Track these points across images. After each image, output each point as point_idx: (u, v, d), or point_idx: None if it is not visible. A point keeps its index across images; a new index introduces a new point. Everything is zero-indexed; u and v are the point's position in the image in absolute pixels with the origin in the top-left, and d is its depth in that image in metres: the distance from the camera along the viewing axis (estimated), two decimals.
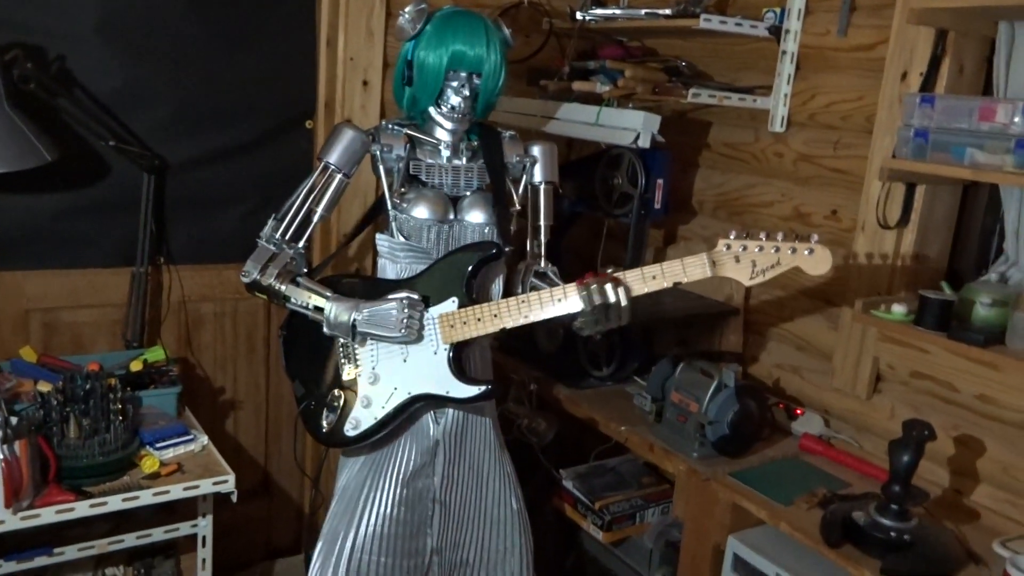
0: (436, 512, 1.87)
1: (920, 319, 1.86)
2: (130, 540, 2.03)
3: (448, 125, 1.84)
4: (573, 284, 1.70)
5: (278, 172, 2.53)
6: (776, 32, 2.29)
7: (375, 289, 1.81)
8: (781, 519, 1.82)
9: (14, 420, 1.77)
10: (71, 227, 2.32)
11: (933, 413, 2.00)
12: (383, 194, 1.85)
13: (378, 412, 1.77)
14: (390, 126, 1.86)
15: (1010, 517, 1.87)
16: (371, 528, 1.81)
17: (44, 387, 2.00)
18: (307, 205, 1.78)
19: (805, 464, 2.09)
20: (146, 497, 1.90)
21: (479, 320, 1.73)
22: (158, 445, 2.02)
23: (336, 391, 1.80)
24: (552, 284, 1.89)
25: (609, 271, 1.69)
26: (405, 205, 1.82)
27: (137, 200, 2.34)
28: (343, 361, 1.80)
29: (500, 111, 2.55)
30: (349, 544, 1.80)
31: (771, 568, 1.84)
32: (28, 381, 2.09)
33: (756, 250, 1.64)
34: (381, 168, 1.83)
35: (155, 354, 2.34)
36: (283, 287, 1.73)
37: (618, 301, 1.65)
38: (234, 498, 2.00)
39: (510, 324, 1.72)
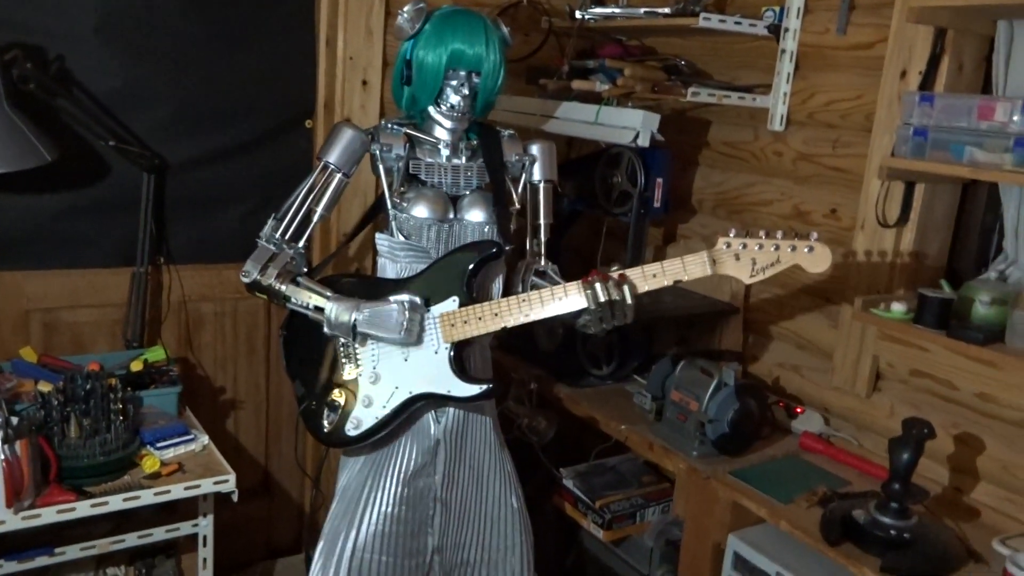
0: (437, 511, 1.87)
1: (919, 317, 1.86)
2: (131, 540, 2.03)
3: (447, 124, 1.84)
4: (574, 282, 1.70)
5: (278, 172, 2.54)
6: (775, 31, 2.29)
7: (375, 289, 1.81)
8: (781, 517, 1.83)
9: (15, 420, 1.77)
10: (71, 227, 2.32)
11: (933, 411, 2.01)
12: (383, 193, 1.85)
13: (379, 411, 1.77)
14: (389, 125, 1.86)
15: (1010, 515, 1.87)
16: (372, 527, 1.81)
17: (45, 387, 2.00)
18: (307, 205, 1.78)
19: (805, 462, 2.09)
20: (147, 497, 1.91)
21: (480, 319, 1.73)
22: (159, 445, 2.03)
23: (337, 391, 1.80)
24: (552, 282, 1.89)
25: (614, 268, 1.70)
26: (405, 204, 1.82)
27: (137, 200, 2.34)
28: (344, 361, 1.80)
29: (499, 110, 2.55)
30: (351, 543, 1.80)
31: (771, 566, 1.85)
32: (29, 381, 2.09)
33: (756, 248, 1.64)
34: (381, 167, 1.83)
35: (155, 354, 2.34)
36: (283, 287, 1.73)
37: (623, 299, 1.65)
38: (235, 498, 2.01)
39: (511, 323, 1.73)
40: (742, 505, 1.91)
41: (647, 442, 2.15)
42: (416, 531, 1.85)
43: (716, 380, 2.05)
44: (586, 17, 2.53)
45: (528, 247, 2.00)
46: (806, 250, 1.62)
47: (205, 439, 2.12)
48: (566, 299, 1.70)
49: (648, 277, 1.68)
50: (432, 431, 1.84)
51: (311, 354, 1.83)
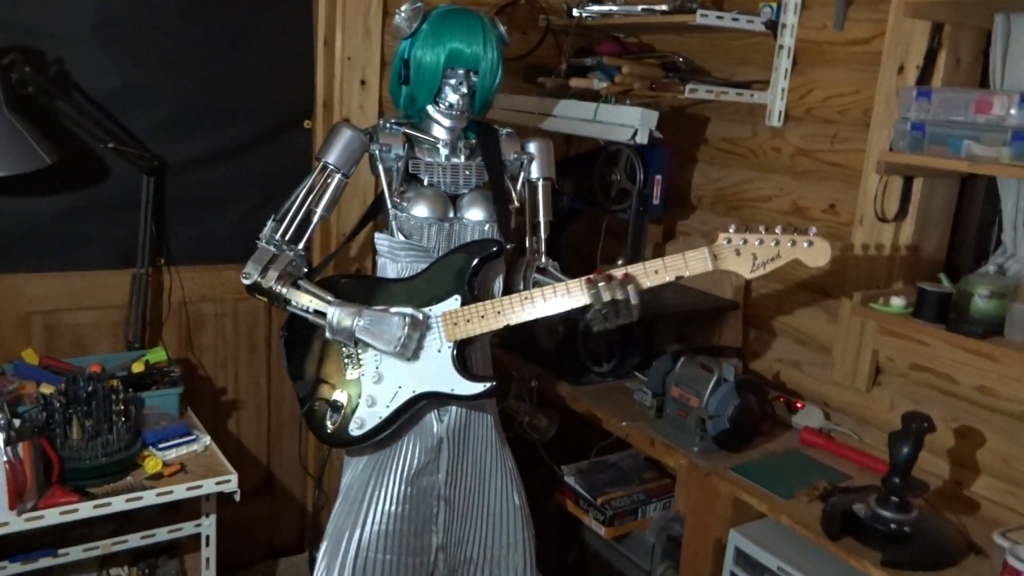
0: (441, 509, 1.87)
1: (919, 311, 1.86)
2: (134, 540, 2.04)
3: (446, 123, 1.84)
4: (577, 280, 1.71)
5: (277, 172, 2.54)
6: (773, 27, 2.30)
7: (376, 289, 1.81)
8: (782, 512, 1.83)
9: (17, 422, 1.77)
10: (71, 229, 2.32)
11: (932, 405, 2.01)
12: (382, 193, 1.85)
13: (383, 411, 1.77)
14: (388, 125, 1.86)
15: (1010, 508, 1.88)
16: (376, 526, 1.81)
17: (46, 389, 2.01)
18: (306, 205, 1.78)
19: (805, 457, 2.09)
20: (149, 497, 1.91)
21: (482, 317, 1.74)
22: (161, 446, 2.03)
23: (340, 391, 1.80)
24: (553, 279, 1.90)
25: (619, 264, 1.70)
26: (405, 204, 1.82)
27: (137, 201, 2.34)
28: (346, 361, 1.80)
29: (498, 109, 2.55)
30: (355, 543, 1.80)
31: (772, 561, 1.85)
32: (30, 383, 2.09)
33: (756, 243, 1.65)
34: (380, 167, 1.83)
35: (156, 355, 2.34)
36: (284, 290, 1.73)
37: (627, 298, 1.65)
38: (237, 497, 2.01)
39: (513, 320, 1.73)
40: (743, 500, 1.92)
41: (648, 439, 2.15)
42: (420, 529, 1.86)
43: (716, 376, 2.05)
44: (584, 15, 2.53)
45: (528, 245, 2.00)
46: (806, 245, 1.63)
47: (207, 439, 2.13)
48: (568, 297, 1.70)
49: (650, 273, 1.68)
50: (435, 430, 1.84)
51: (313, 354, 1.83)
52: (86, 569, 2.16)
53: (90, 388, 1.97)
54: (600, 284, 1.65)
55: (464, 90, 1.79)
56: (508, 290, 1.92)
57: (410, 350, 1.72)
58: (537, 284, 1.91)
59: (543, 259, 1.99)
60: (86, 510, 1.84)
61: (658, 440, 2.13)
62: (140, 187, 2.34)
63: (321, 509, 2.75)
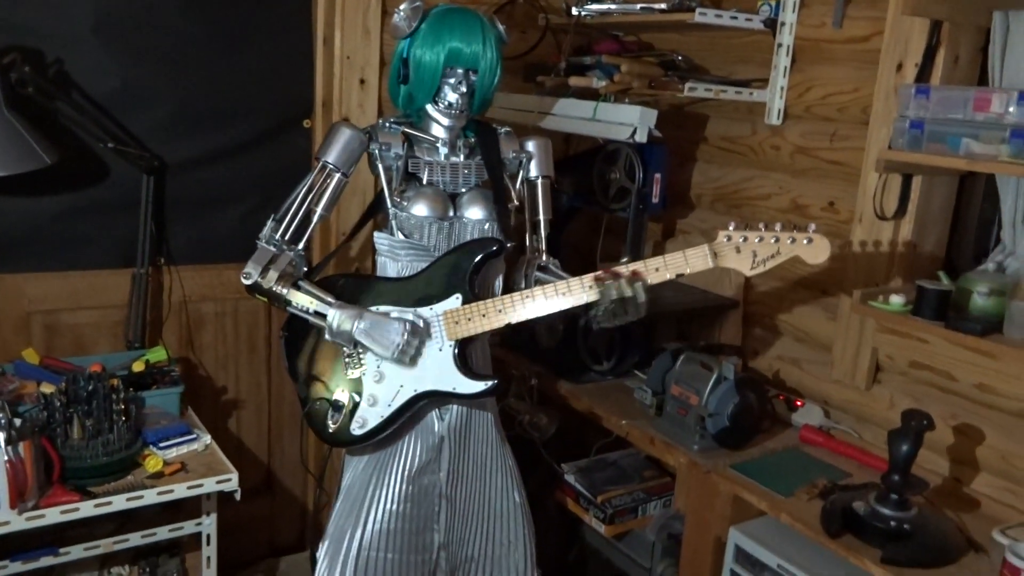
0: (443, 508, 1.87)
1: (918, 309, 1.87)
2: (135, 539, 2.04)
3: (445, 122, 1.84)
4: (579, 277, 1.71)
5: (277, 171, 2.54)
6: (772, 25, 2.30)
7: (377, 288, 1.81)
8: (782, 510, 1.83)
9: (18, 422, 1.77)
10: (71, 229, 2.32)
11: (932, 403, 2.01)
12: (381, 192, 1.85)
13: (384, 410, 1.77)
14: (387, 124, 1.87)
15: (1010, 505, 1.88)
16: (378, 525, 1.81)
17: (47, 388, 2.01)
18: (306, 205, 1.79)
19: (805, 455, 2.10)
20: (150, 496, 1.92)
21: (484, 315, 1.74)
22: (161, 445, 2.04)
23: (341, 390, 1.80)
24: (555, 277, 1.90)
25: (623, 261, 1.70)
26: (405, 203, 1.82)
27: (137, 201, 2.35)
28: (347, 360, 1.80)
29: (497, 107, 2.55)
30: (356, 542, 1.81)
31: (772, 559, 1.85)
32: (31, 383, 2.10)
33: (756, 240, 1.65)
34: (380, 166, 1.83)
35: (157, 354, 2.35)
36: (284, 291, 1.73)
37: (635, 296, 1.66)
38: (237, 496, 2.01)
39: (515, 319, 1.73)
40: (743, 498, 1.92)
41: (648, 437, 2.16)
42: (422, 528, 1.86)
43: (716, 374, 2.05)
44: (582, 13, 2.53)
45: (528, 243, 2.00)
46: (805, 242, 1.64)
47: (207, 438, 2.13)
48: (571, 295, 1.71)
49: (651, 271, 1.69)
50: (436, 428, 1.84)
51: (314, 354, 1.83)
52: (87, 568, 2.17)
53: (91, 387, 1.97)
54: (608, 281, 1.66)
55: (463, 89, 1.80)
56: (509, 289, 1.92)
57: (408, 356, 1.73)
58: (538, 282, 1.91)
59: (544, 257, 1.99)
60: (87, 509, 1.85)
61: (658, 438, 2.13)
62: (140, 187, 2.34)
63: (323, 508, 2.76)
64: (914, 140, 1.83)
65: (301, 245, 1.81)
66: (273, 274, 1.73)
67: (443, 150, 1.87)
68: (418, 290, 1.78)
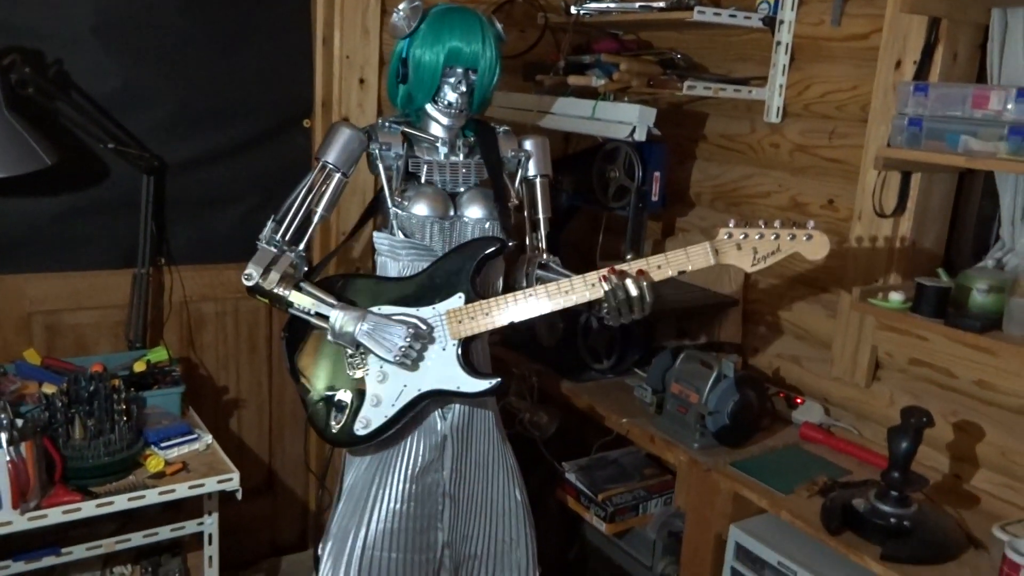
0: (446, 506, 1.88)
1: (917, 306, 1.87)
2: (137, 539, 2.05)
3: (445, 121, 1.84)
4: (580, 276, 1.72)
5: (277, 171, 2.54)
6: (770, 23, 2.30)
7: (379, 288, 1.81)
8: (782, 507, 1.84)
9: (19, 422, 1.78)
10: (72, 230, 2.33)
11: (932, 399, 2.02)
12: (380, 192, 1.85)
13: (388, 410, 1.77)
14: (386, 124, 1.87)
15: (1009, 501, 1.89)
16: (380, 524, 1.81)
17: (49, 389, 2.02)
18: (306, 205, 1.78)
19: (805, 452, 2.10)
20: (152, 496, 1.92)
21: (487, 314, 1.74)
22: (163, 444, 2.04)
23: (344, 390, 1.80)
24: (556, 275, 1.90)
25: (628, 258, 1.71)
26: (405, 203, 1.82)
27: (137, 201, 2.35)
28: (349, 360, 1.80)
29: (497, 106, 2.56)
30: (360, 541, 1.81)
31: (773, 556, 1.86)
32: (33, 383, 2.10)
33: (757, 237, 1.66)
34: (380, 166, 1.83)
35: (158, 354, 2.35)
36: (286, 293, 1.73)
37: (642, 294, 1.66)
38: (239, 496, 2.02)
39: (518, 317, 1.73)
40: (743, 496, 1.92)
41: (648, 435, 2.16)
42: (426, 527, 1.86)
43: (716, 372, 2.05)
44: (581, 12, 2.53)
45: (528, 242, 2.00)
46: (805, 238, 1.64)
47: (208, 438, 2.13)
48: (573, 293, 1.71)
49: (653, 268, 1.69)
50: (439, 427, 1.85)
51: (315, 355, 1.83)
52: (89, 568, 2.17)
53: (92, 388, 1.97)
54: (615, 281, 1.66)
55: (463, 89, 1.80)
56: (509, 287, 1.92)
57: (410, 359, 1.73)
58: (540, 280, 1.92)
59: (544, 255, 1.99)
60: (89, 509, 1.85)
61: (658, 436, 2.14)
62: (140, 187, 2.34)
63: (326, 508, 2.76)
64: (913, 137, 1.83)
65: (302, 246, 1.81)
66: (274, 275, 1.72)
67: (442, 149, 1.88)
68: (420, 289, 1.78)
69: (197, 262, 2.53)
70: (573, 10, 2.55)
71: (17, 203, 2.24)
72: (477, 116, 1.94)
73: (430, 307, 1.77)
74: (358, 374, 1.79)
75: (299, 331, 1.84)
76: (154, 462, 1.96)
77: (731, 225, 1.67)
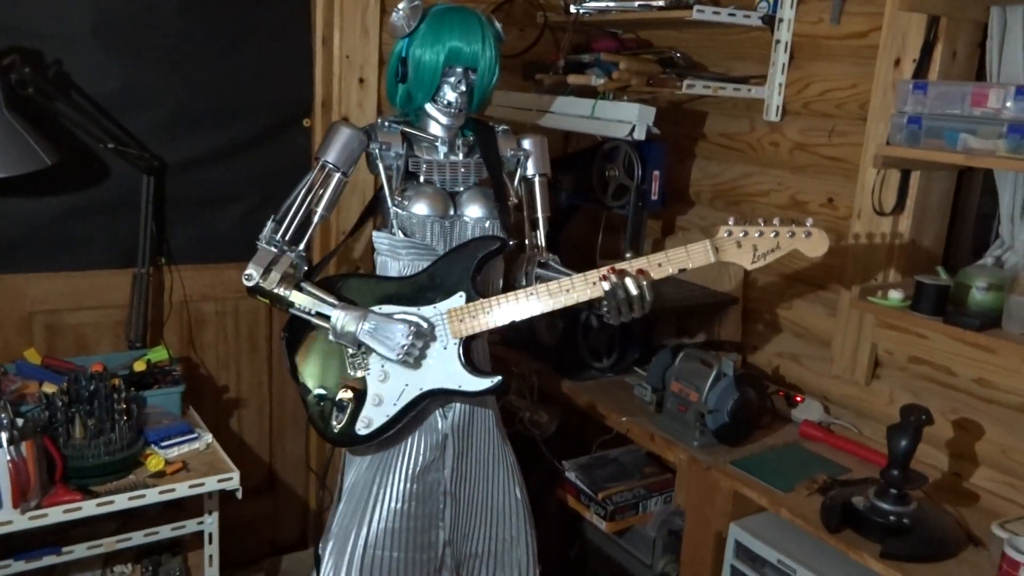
0: (447, 505, 1.88)
1: (917, 304, 1.87)
2: (137, 538, 2.05)
3: (444, 120, 1.85)
4: (581, 274, 1.72)
5: (277, 171, 2.54)
6: (770, 21, 2.30)
7: (379, 288, 1.81)
8: (782, 505, 1.84)
9: (20, 422, 1.78)
10: (72, 229, 2.33)
11: (932, 397, 2.02)
12: (379, 191, 1.86)
13: (390, 409, 1.77)
14: (386, 124, 1.87)
15: (1009, 499, 1.89)
16: (382, 524, 1.81)
17: (49, 388, 2.02)
18: (306, 205, 1.78)
19: (805, 450, 2.10)
20: (152, 495, 1.92)
21: (488, 313, 1.74)
22: (163, 444, 2.04)
23: (345, 390, 1.79)
24: (556, 273, 1.90)
25: (627, 257, 1.71)
26: (405, 202, 1.82)
27: (137, 201, 2.35)
28: (351, 360, 1.80)
29: (496, 106, 2.56)
30: (361, 541, 1.81)
31: (772, 554, 1.86)
32: (33, 383, 2.10)
33: (756, 235, 1.66)
34: (380, 165, 1.83)
35: (158, 354, 2.35)
36: (287, 293, 1.73)
37: (641, 293, 1.67)
38: (239, 495, 2.02)
39: (519, 316, 1.73)
40: (743, 494, 1.92)
41: (648, 433, 2.16)
42: (427, 526, 1.86)
43: (715, 370, 2.06)
44: (581, 11, 2.53)
45: (528, 241, 2.00)
46: (804, 235, 1.65)
47: (209, 437, 2.13)
48: (574, 291, 1.71)
49: (654, 267, 1.69)
50: (440, 426, 1.85)
51: (316, 355, 1.82)
52: (90, 567, 2.17)
53: (92, 387, 1.98)
54: (615, 281, 1.67)
55: (463, 88, 1.80)
56: (509, 286, 1.93)
57: (412, 357, 1.73)
58: (539, 279, 1.92)
59: (544, 254, 1.99)
60: (89, 508, 1.85)
61: (658, 435, 2.14)
62: (140, 187, 2.34)
63: (326, 507, 2.76)
64: (912, 136, 1.83)
65: (302, 246, 1.81)
66: (275, 276, 1.72)
67: (442, 149, 1.88)
68: (421, 289, 1.78)
69: (197, 262, 2.53)
70: (572, 9, 2.55)
71: (17, 203, 2.24)
72: (476, 115, 1.94)
73: (431, 306, 1.77)
74: (359, 373, 1.79)
75: (299, 331, 1.84)
76: (154, 461, 1.96)
77: (731, 223, 1.67)
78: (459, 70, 1.79)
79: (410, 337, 1.69)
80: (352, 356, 1.79)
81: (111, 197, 2.35)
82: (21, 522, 1.78)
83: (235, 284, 2.52)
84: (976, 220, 2.11)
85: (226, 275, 2.56)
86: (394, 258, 1.85)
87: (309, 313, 1.73)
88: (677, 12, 2.26)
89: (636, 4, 2.38)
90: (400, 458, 1.83)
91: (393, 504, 1.82)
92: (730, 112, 2.54)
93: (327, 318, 1.72)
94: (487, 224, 1.86)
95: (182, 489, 1.95)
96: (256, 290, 1.73)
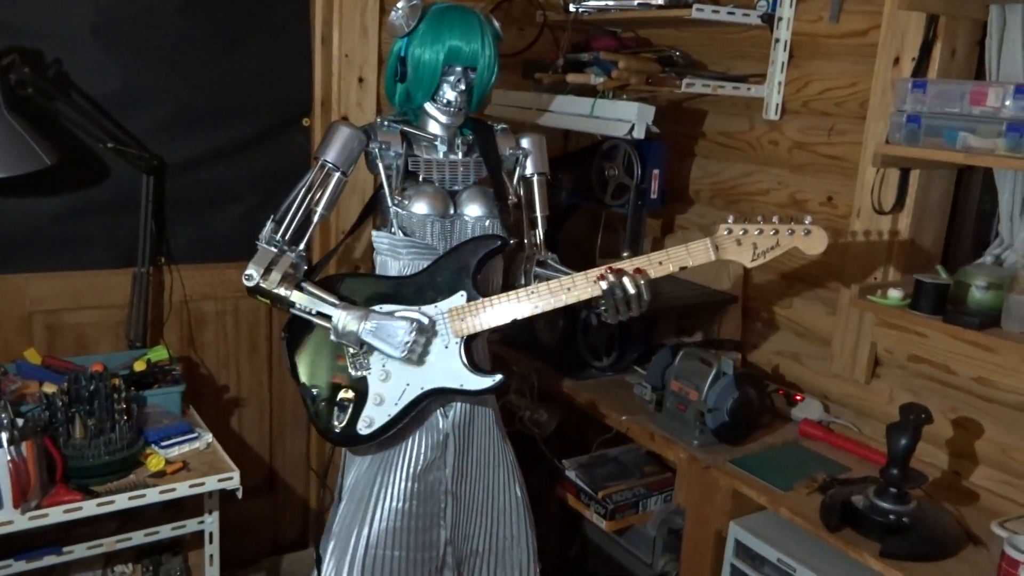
0: (448, 504, 1.88)
1: (916, 303, 1.87)
2: (138, 538, 2.05)
3: (443, 119, 1.85)
4: (584, 273, 1.72)
5: (277, 170, 2.54)
6: (769, 20, 2.30)
7: (380, 287, 1.81)
8: (781, 504, 1.84)
9: (20, 422, 1.78)
10: (72, 229, 2.33)
11: (931, 396, 2.02)
12: (379, 191, 1.86)
13: (391, 409, 1.77)
14: (385, 123, 1.87)
15: (1008, 498, 1.89)
16: (383, 523, 1.81)
17: (49, 388, 2.02)
18: (306, 205, 1.78)
19: (805, 449, 2.10)
20: (152, 495, 1.92)
21: (489, 312, 1.74)
22: (163, 443, 2.04)
23: (346, 390, 1.79)
24: (555, 272, 1.90)
25: (625, 256, 1.71)
26: (405, 202, 1.82)
27: (137, 201, 2.35)
28: (352, 360, 1.80)
29: (496, 105, 2.56)
30: (363, 540, 1.81)
31: (772, 553, 1.86)
32: (33, 383, 2.10)
33: (756, 233, 1.67)
34: (380, 165, 1.83)
35: (158, 354, 2.35)
36: (287, 293, 1.73)
37: (639, 292, 1.67)
38: (239, 495, 2.02)
39: (520, 314, 1.74)
40: (743, 493, 1.93)
41: (648, 432, 2.16)
42: (428, 525, 1.86)
43: (715, 369, 2.06)
44: (580, 10, 2.53)
45: (527, 240, 2.01)
46: (803, 233, 1.65)
47: (209, 437, 2.14)
48: (575, 290, 1.71)
49: (654, 265, 1.69)
50: (441, 425, 1.85)
51: (316, 354, 1.82)
52: (90, 567, 2.18)
53: (92, 387, 1.98)
54: (613, 280, 1.67)
55: (462, 87, 1.80)
56: (509, 285, 1.93)
57: (416, 354, 1.73)
58: (538, 278, 1.92)
59: (543, 253, 1.99)
60: (89, 508, 1.85)
61: (658, 434, 2.14)
62: (140, 187, 2.34)
63: (327, 507, 2.76)
64: (911, 134, 1.83)
65: (302, 245, 1.80)
66: (275, 276, 1.72)
67: (441, 148, 1.88)
68: (421, 288, 1.78)
69: (197, 261, 2.53)
70: (572, 8, 2.55)
71: (17, 203, 2.24)
72: (475, 114, 1.94)
73: (432, 305, 1.77)
74: (360, 373, 1.79)
75: (299, 331, 1.83)
76: (155, 461, 1.96)
77: (730, 221, 1.67)
78: (458, 69, 1.78)
79: (413, 333, 1.69)
80: (353, 356, 1.79)
81: (111, 197, 2.35)
82: (21, 522, 1.78)
83: (235, 284, 2.52)
84: (975, 219, 2.11)
85: (226, 275, 2.56)
86: (394, 257, 1.85)
87: (310, 313, 1.73)
88: (676, 11, 2.26)
89: (635, 3, 2.38)
90: (401, 457, 1.83)
91: (394, 503, 1.82)
92: (729, 111, 2.54)
93: (328, 318, 1.72)
94: (487, 223, 1.86)
95: (182, 489, 1.95)
96: (256, 290, 1.73)
